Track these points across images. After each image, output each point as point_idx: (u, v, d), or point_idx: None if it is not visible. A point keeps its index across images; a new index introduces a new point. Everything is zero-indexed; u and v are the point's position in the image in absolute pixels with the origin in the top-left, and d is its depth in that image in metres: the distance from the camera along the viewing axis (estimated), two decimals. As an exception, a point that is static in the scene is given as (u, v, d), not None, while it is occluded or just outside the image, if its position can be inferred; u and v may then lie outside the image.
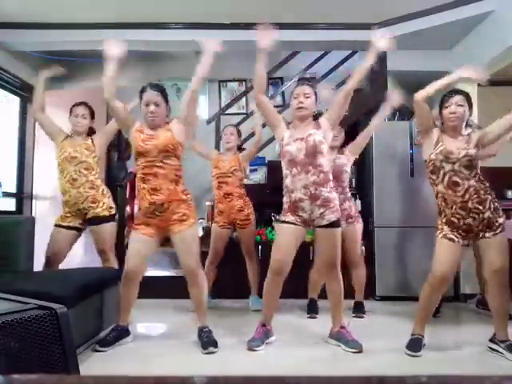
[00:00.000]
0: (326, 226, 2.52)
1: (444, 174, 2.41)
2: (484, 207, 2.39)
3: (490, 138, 2.43)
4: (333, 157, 3.31)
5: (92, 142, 3.09)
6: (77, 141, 3.06)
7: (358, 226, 3.38)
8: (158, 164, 2.46)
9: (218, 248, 3.55)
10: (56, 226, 3.03)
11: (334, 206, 2.53)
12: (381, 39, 2.46)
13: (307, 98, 2.55)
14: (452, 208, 2.41)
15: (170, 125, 2.55)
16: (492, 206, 2.42)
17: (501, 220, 2.44)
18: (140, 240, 2.53)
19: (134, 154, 2.54)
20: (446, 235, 2.44)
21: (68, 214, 3.02)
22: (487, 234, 2.42)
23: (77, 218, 3.03)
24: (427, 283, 2.49)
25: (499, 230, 2.42)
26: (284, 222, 2.56)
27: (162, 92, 2.56)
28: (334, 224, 2.52)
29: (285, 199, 2.59)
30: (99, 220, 3.02)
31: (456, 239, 2.43)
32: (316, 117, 2.63)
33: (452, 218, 2.43)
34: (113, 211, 3.11)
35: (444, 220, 2.47)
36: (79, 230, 3.07)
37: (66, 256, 3.06)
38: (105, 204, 3.05)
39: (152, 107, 2.50)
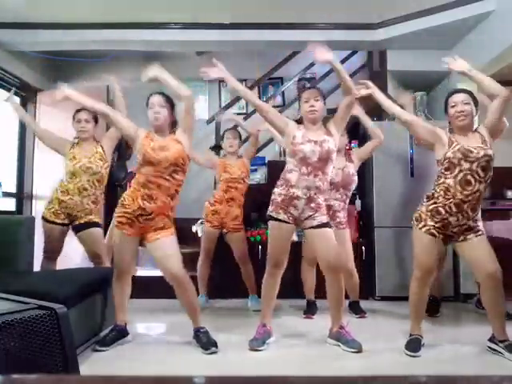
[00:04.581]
0: (319, 227, 2.54)
1: (460, 171, 2.39)
2: (473, 214, 2.42)
3: (495, 127, 2.45)
4: (341, 163, 3.30)
5: (102, 149, 3.09)
6: (88, 149, 3.06)
7: (348, 232, 3.34)
8: (166, 177, 2.45)
9: (209, 247, 3.57)
10: (49, 222, 3.01)
11: (323, 211, 2.58)
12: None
13: (317, 100, 2.60)
14: (448, 200, 2.41)
15: (177, 136, 2.54)
16: (477, 216, 2.46)
17: (480, 227, 2.46)
18: (126, 240, 2.54)
19: (141, 161, 2.49)
20: (428, 230, 2.45)
21: (59, 212, 3.01)
22: (469, 236, 2.44)
23: (66, 217, 3.04)
24: (414, 278, 2.53)
25: (480, 232, 2.44)
26: (276, 219, 2.58)
27: (167, 97, 2.58)
28: (325, 225, 2.56)
29: (278, 191, 2.59)
30: (91, 224, 3.05)
31: (437, 235, 2.45)
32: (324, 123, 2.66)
33: (440, 208, 2.42)
34: (100, 222, 3.19)
35: (431, 207, 2.46)
36: (68, 226, 3.09)
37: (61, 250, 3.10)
38: (96, 215, 3.12)
39: (156, 108, 2.52)
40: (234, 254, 3.59)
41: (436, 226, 2.44)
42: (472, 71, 2.43)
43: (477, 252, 2.43)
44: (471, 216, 2.42)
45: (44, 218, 3.03)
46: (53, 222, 3.01)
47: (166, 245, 2.50)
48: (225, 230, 3.58)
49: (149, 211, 2.46)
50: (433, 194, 2.48)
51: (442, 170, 2.47)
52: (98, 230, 3.10)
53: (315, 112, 2.58)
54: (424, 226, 2.47)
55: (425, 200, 2.52)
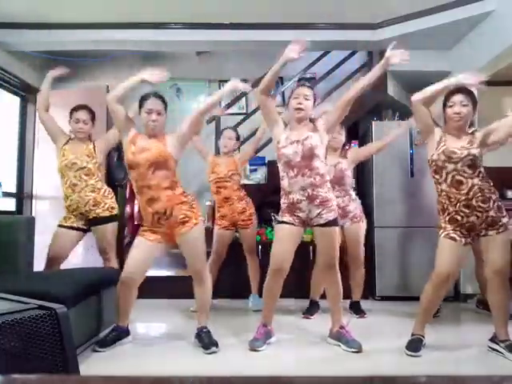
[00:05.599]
0: (324, 225, 2.53)
1: (447, 174, 2.40)
2: (488, 206, 2.38)
3: (495, 138, 2.40)
4: (334, 160, 3.32)
5: (94, 147, 3.08)
6: (78, 146, 3.05)
7: (362, 226, 3.39)
8: (149, 176, 2.43)
9: (220, 250, 3.55)
10: (58, 226, 3.04)
11: (331, 206, 2.54)
12: (395, 54, 2.42)
13: (306, 100, 2.56)
14: (456, 206, 2.40)
15: (165, 138, 2.52)
16: (496, 205, 2.41)
17: (504, 220, 2.43)
18: (143, 247, 2.51)
19: (127, 166, 2.53)
20: (448, 234, 2.43)
21: (71, 216, 3.03)
22: (490, 232, 2.41)
23: (79, 219, 3.04)
24: (430, 283, 2.47)
25: (502, 229, 2.41)
26: (282, 222, 2.57)
27: (164, 102, 2.56)
28: (331, 223, 2.54)
29: (282, 200, 2.60)
30: (100, 220, 3.03)
31: (458, 238, 2.41)
32: (312, 120, 2.64)
33: (456, 216, 2.41)
34: (114, 211, 3.10)
35: (447, 218, 2.45)
36: (83, 231, 3.07)
37: (68, 256, 3.06)
38: (106, 205, 3.05)
39: (154, 116, 2.48)
40: (243, 247, 3.59)
41: (456, 229, 2.42)
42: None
43: (493, 248, 2.41)
44: (488, 207, 2.38)
45: (58, 226, 3.04)
46: (60, 226, 3.02)
47: (189, 241, 2.50)
48: (238, 227, 3.56)
49: (162, 210, 2.45)
50: (442, 206, 2.47)
51: (433, 175, 2.48)
52: (109, 226, 3.06)
53: (301, 111, 2.54)
54: (444, 231, 2.45)
55: (440, 214, 2.50)
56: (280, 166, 2.58)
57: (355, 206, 3.37)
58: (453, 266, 2.42)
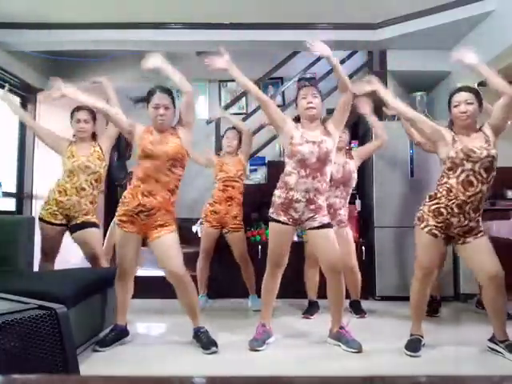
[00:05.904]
0: (319, 227, 2.53)
1: (462, 171, 2.37)
2: (474, 215, 2.41)
3: (499, 126, 2.41)
4: (342, 159, 3.31)
5: (100, 148, 3.08)
6: (86, 147, 3.04)
7: (349, 231, 3.35)
8: (165, 171, 2.46)
9: (208, 246, 3.59)
10: (46, 222, 2.99)
11: (324, 212, 2.57)
12: (312, 42, 2.43)
13: (315, 97, 2.58)
14: (450, 201, 2.39)
15: (177, 131, 2.54)
16: (478, 218, 2.44)
17: (481, 228, 2.45)
18: (129, 239, 2.52)
19: (140, 154, 2.49)
20: (430, 230, 2.44)
21: (57, 213, 2.99)
22: (468, 239, 2.43)
23: (64, 218, 3.02)
24: (415, 278, 2.53)
25: (480, 234, 2.43)
26: (277, 221, 2.57)
27: (171, 95, 2.56)
28: (326, 225, 2.55)
29: (278, 193, 2.59)
30: (89, 224, 3.02)
31: (439, 235, 2.44)
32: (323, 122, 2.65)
33: (442, 209, 2.41)
34: (98, 222, 3.18)
35: (433, 207, 2.44)
36: (65, 226, 3.07)
37: (59, 250, 3.09)
38: (94, 216, 3.09)
39: (161, 110, 2.49)
40: (234, 254, 3.59)
41: (438, 225, 2.43)
42: (481, 66, 2.38)
43: (477, 254, 2.41)
44: (473, 217, 2.40)
45: (41, 219, 3.00)
46: (50, 223, 2.99)
47: (167, 243, 2.49)
48: (225, 230, 3.58)
49: (149, 207, 2.46)
50: (435, 194, 2.47)
51: (445, 170, 2.45)
52: (95, 230, 3.06)
53: (313, 109, 2.56)
54: (426, 226, 2.46)
55: (427, 200, 2.51)
56: (292, 163, 2.56)
57: (344, 213, 3.34)
58: (435, 260, 2.49)
